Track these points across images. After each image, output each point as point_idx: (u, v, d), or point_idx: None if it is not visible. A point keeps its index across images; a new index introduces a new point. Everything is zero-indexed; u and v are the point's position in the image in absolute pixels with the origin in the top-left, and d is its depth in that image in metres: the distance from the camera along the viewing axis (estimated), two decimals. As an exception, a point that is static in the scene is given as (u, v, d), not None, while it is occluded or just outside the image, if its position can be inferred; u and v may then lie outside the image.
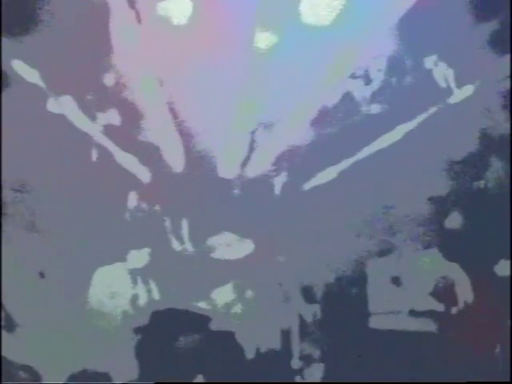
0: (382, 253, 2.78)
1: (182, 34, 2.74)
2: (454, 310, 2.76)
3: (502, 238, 2.71)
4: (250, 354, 2.72)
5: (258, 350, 2.73)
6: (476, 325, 2.73)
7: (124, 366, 2.69)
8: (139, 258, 2.77)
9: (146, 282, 2.78)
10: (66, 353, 2.69)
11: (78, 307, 2.73)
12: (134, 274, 2.77)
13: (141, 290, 2.77)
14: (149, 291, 2.77)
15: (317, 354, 2.76)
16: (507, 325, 2.69)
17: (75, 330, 2.70)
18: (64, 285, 2.73)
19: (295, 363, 2.74)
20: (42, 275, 2.75)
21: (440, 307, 2.76)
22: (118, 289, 2.78)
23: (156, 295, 2.77)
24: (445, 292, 2.77)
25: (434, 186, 2.76)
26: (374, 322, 2.75)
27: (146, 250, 2.77)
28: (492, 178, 2.77)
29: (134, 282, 2.78)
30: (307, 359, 2.75)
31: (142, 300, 2.76)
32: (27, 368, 2.68)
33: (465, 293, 2.76)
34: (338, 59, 2.74)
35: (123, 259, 2.76)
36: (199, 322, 2.74)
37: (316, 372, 2.74)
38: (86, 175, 2.74)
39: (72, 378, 2.68)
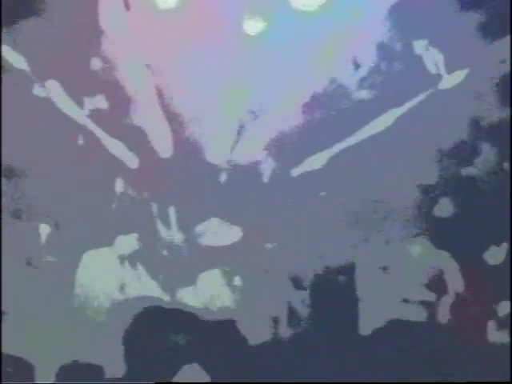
0: (371, 240, 2.76)
1: (170, 18, 2.72)
2: (444, 299, 2.75)
3: (492, 226, 2.71)
4: (240, 342, 2.71)
5: (246, 338, 2.72)
6: (467, 313, 2.73)
7: (114, 355, 2.67)
8: (127, 244, 2.75)
9: (134, 269, 2.76)
10: (55, 342, 2.67)
11: (67, 295, 2.71)
12: (122, 260, 2.75)
13: (129, 277, 2.75)
14: (137, 278, 2.75)
15: (306, 341, 2.74)
16: (498, 312, 2.71)
17: (64, 319, 2.69)
18: (52, 272, 2.71)
19: (283, 348, 2.73)
20: (29, 263, 2.72)
21: (430, 296, 2.75)
22: (105, 276, 2.75)
23: (144, 282, 2.75)
24: (435, 280, 2.76)
25: (424, 172, 2.74)
26: (363, 311, 2.73)
27: (134, 236, 2.75)
28: (482, 165, 2.76)
29: (122, 269, 2.76)
30: (296, 345, 2.73)
31: (131, 287, 2.74)
32: (16, 359, 2.67)
33: (455, 281, 2.75)
34: (328, 45, 2.71)
35: (110, 245, 2.74)
36: (189, 311, 2.73)
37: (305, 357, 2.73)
38: (73, 161, 2.72)
39: (63, 369, 2.67)
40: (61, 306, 2.70)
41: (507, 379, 2.62)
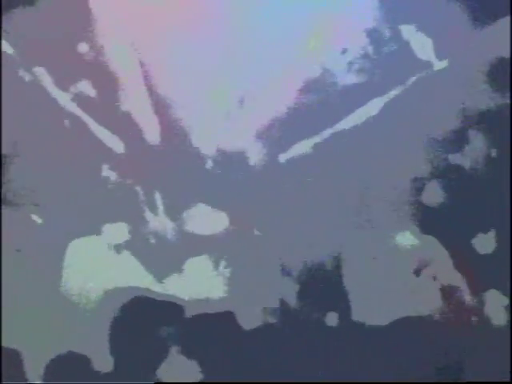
0: (359, 228, 2.74)
1: (159, 2, 2.71)
2: (433, 288, 2.73)
3: (481, 214, 2.70)
4: (229, 330, 2.69)
5: (239, 327, 2.70)
6: (456, 303, 2.72)
7: (103, 345, 2.66)
8: (115, 232, 2.73)
9: (121, 257, 2.74)
10: (43, 332, 2.66)
11: (55, 284, 2.70)
12: (110, 248, 2.74)
13: (116, 266, 2.74)
14: (125, 266, 2.73)
15: (295, 328, 2.72)
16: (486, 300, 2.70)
17: (54, 308, 2.67)
18: (39, 259, 2.70)
19: (273, 337, 2.71)
20: (18, 250, 2.71)
21: (419, 284, 2.73)
22: (93, 264, 2.73)
23: (131, 270, 2.73)
24: (423, 268, 2.74)
25: (412, 159, 2.72)
26: (353, 300, 2.71)
27: (122, 224, 2.73)
28: (470, 152, 2.74)
29: (110, 257, 2.74)
30: (287, 333, 2.71)
31: (119, 275, 2.72)
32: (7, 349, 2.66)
33: (444, 269, 2.74)
34: (316, 30, 2.70)
35: (97, 233, 2.72)
36: (176, 300, 2.71)
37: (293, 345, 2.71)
38: (59, 146, 2.71)
39: (52, 359, 2.65)
40: (48, 296, 2.69)
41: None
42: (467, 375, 2.63)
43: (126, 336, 2.68)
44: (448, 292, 2.72)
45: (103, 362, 2.66)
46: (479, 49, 2.71)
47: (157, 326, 2.69)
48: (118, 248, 2.73)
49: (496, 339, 2.66)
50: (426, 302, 2.71)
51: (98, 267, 2.73)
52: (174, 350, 2.68)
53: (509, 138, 2.70)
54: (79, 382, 2.65)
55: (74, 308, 2.69)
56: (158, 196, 2.74)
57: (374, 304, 2.70)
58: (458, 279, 2.71)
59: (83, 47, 2.71)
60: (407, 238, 2.73)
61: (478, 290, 2.70)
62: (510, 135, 2.70)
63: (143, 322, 2.68)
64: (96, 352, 2.67)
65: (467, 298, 2.70)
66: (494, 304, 2.70)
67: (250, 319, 2.70)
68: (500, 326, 2.68)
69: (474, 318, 2.69)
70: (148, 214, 2.74)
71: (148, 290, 2.70)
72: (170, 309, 2.71)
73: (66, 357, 2.67)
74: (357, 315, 2.69)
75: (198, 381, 2.66)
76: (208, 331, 2.69)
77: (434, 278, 2.73)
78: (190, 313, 2.70)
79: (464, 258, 2.71)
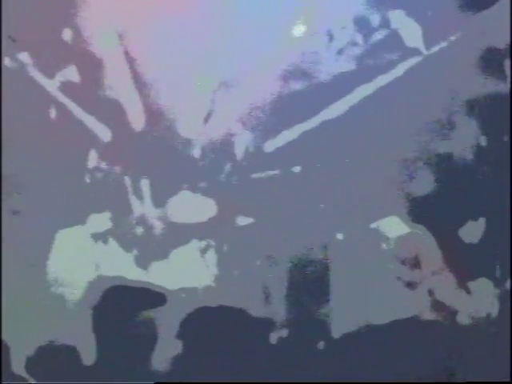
0: (347, 217, 2.72)
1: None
2: (420, 276, 2.71)
3: (470, 203, 2.68)
4: (214, 318, 2.68)
5: (221, 314, 2.69)
6: (443, 291, 2.70)
7: (89, 336, 2.65)
8: (100, 221, 2.72)
9: (107, 247, 2.72)
10: (30, 323, 2.64)
11: (41, 275, 2.68)
12: (96, 238, 2.72)
13: (102, 255, 2.72)
14: (111, 255, 2.72)
15: (279, 319, 2.71)
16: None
17: (39, 299, 2.66)
18: (24, 250, 2.68)
19: (258, 327, 2.70)
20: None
21: (407, 274, 2.71)
22: (79, 255, 2.71)
23: (118, 260, 2.72)
24: (411, 257, 2.72)
25: (400, 147, 2.70)
26: (341, 292, 2.70)
27: (107, 214, 2.71)
28: (460, 141, 2.71)
29: (96, 247, 2.72)
30: (270, 325, 2.70)
31: (105, 265, 2.71)
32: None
33: (432, 258, 2.72)
34: (301, 16, 2.67)
35: (83, 222, 2.70)
36: (162, 289, 2.70)
37: (280, 336, 2.69)
38: (45, 134, 2.69)
39: (40, 349, 2.65)
40: (33, 287, 2.67)
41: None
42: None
43: (112, 326, 2.67)
44: (438, 280, 2.70)
45: (89, 352, 2.66)
46: (470, 35, 2.68)
47: (142, 315, 2.68)
48: (103, 237, 2.71)
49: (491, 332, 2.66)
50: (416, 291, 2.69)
51: (84, 257, 2.71)
52: (161, 338, 2.67)
53: (498, 127, 2.68)
54: (65, 373, 2.65)
55: (59, 298, 2.68)
56: (144, 183, 2.72)
57: (361, 295, 2.69)
58: (446, 267, 2.70)
59: (68, 34, 2.68)
60: (396, 227, 2.71)
61: (465, 279, 2.69)
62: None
63: (128, 311, 2.67)
64: (82, 342, 2.66)
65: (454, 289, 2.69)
66: (482, 293, 2.68)
67: (236, 306, 2.68)
68: (491, 315, 2.67)
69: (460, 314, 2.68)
70: (134, 202, 2.72)
71: (133, 280, 2.69)
72: (155, 298, 2.70)
73: (51, 347, 2.67)
74: (344, 307, 2.69)
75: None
76: (193, 318, 2.68)
77: (422, 266, 2.71)
78: (175, 302, 2.68)
79: (452, 248, 2.69)
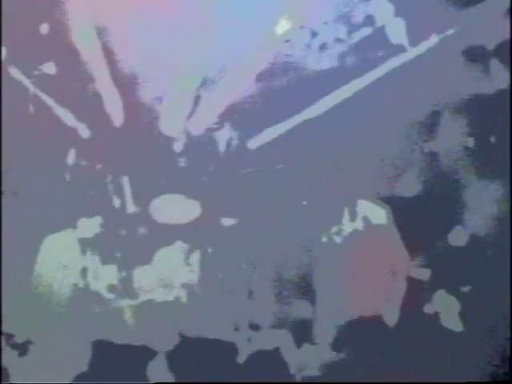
0: (331, 217, 2.69)
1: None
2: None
3: (456, 205, 2.66)
4: (198, 321, 2.65)
5: (204, 317, 2.66)
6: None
7: (77, 343, 2.62)
8: (86, 224, 2.67)
9: (91, 248, 2.68)
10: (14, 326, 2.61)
11: (27, 278, 2.64)
12: (82, 242, 2.67)
13: (84, 259, 2.67)
14: (93, 257, 2.67)
15: (265, 322, 2.68)
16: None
17: (25, 304, 2.62)
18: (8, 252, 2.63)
19: (243, 331, 2.66)
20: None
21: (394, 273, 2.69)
22: (64, 260, 2.68)
23: (100, 261, 2.67)
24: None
25: (385, 147, 2.68)
26: (325, 292, 2.66)
27: (96, 219, 2.66)
28: (445, 140, 2.69)
29: (77, 250, 2.68)
30: (255, 327, 2.67)
31: (90, 268, 2.66)
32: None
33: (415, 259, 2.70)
34: (285, 13, 2.63)
35: (73, 227, 2.65)
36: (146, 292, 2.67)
37: (264, 339, 2.66)
38: (23, 130, 2.64)
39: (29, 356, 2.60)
40: (20, 291, 2.64)
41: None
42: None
43: (100, 330, 2.63)
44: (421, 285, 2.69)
45: (79, 356, 2.62)
46: (456, 34, 2.66)
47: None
48: (84, 240, 2.67)
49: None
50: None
51: (67, 262, 2.67)
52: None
53: (483, 128, 2.67)
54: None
55: (45, 304, 2.65)
56: (125, 182, 2.68)
57: (345, 296, 2.66)
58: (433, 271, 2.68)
59: (45, 28, 2.63)
60: (382, 228, 2.69)
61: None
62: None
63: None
64: (71, 347, 2.62)
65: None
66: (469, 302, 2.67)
67: (221, 307, 2.65)
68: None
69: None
70: (116, 202, 2.67)
71: (115, 283, 2.65)
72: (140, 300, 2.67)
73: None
74: (330, 306, 2.66)
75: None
76: (178, 320, 2.65)
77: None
78: (160, 304, 2.64)
79: (439, 250, 2.67)
